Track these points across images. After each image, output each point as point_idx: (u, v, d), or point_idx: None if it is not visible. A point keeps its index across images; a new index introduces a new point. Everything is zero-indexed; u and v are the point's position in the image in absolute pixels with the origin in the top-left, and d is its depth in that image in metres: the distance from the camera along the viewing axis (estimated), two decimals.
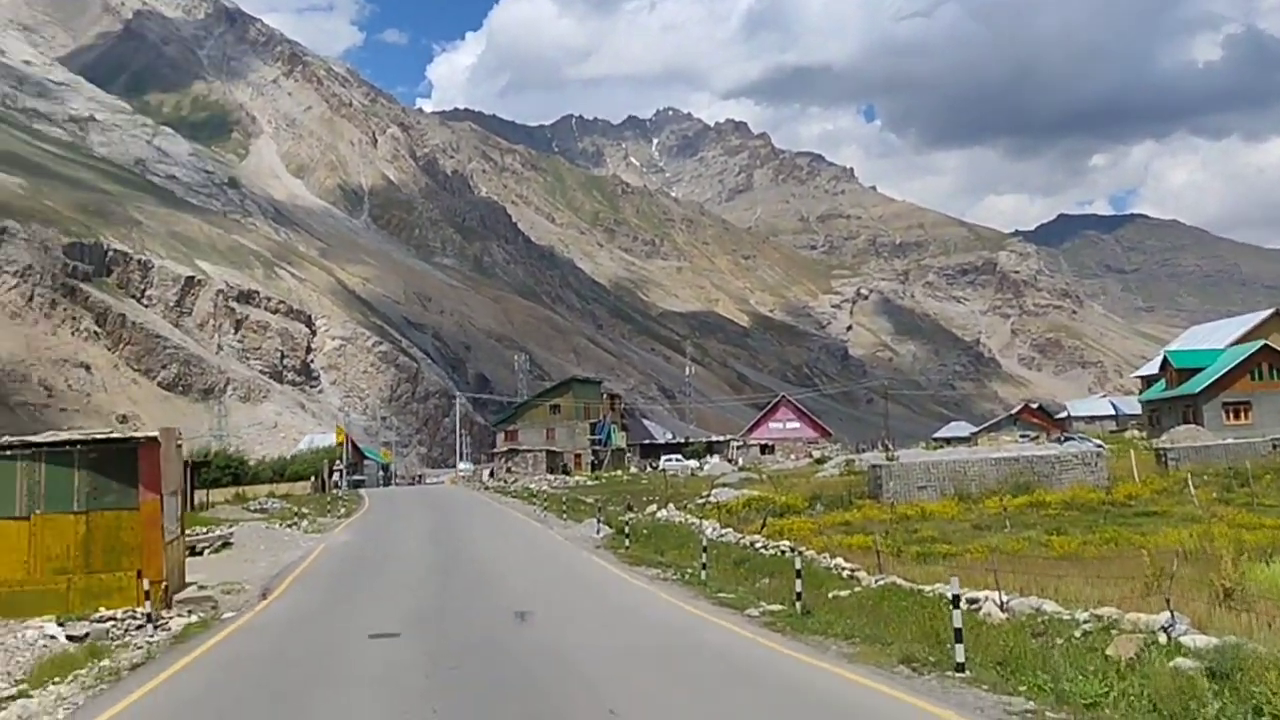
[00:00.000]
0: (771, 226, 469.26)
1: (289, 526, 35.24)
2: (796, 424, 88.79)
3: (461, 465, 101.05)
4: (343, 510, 45.80)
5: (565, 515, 36.04)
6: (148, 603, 15.29)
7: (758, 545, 21.88)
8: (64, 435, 17.50)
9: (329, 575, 21.54)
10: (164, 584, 16.63)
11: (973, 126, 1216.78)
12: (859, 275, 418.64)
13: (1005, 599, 12.20)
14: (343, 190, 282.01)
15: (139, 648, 13.40)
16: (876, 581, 15.53)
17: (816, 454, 74.38)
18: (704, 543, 19.98)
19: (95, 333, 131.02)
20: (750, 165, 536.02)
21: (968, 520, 26.73)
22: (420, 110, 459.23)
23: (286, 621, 15.41)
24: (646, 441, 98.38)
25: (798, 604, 14.08)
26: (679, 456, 79.44)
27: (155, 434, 17.29)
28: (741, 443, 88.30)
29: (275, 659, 12.39)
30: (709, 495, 36.96)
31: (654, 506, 34.59)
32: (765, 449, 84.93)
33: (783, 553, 20.05)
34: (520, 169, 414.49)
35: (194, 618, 15.88)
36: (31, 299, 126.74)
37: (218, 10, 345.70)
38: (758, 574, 18.44)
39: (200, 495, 48.44)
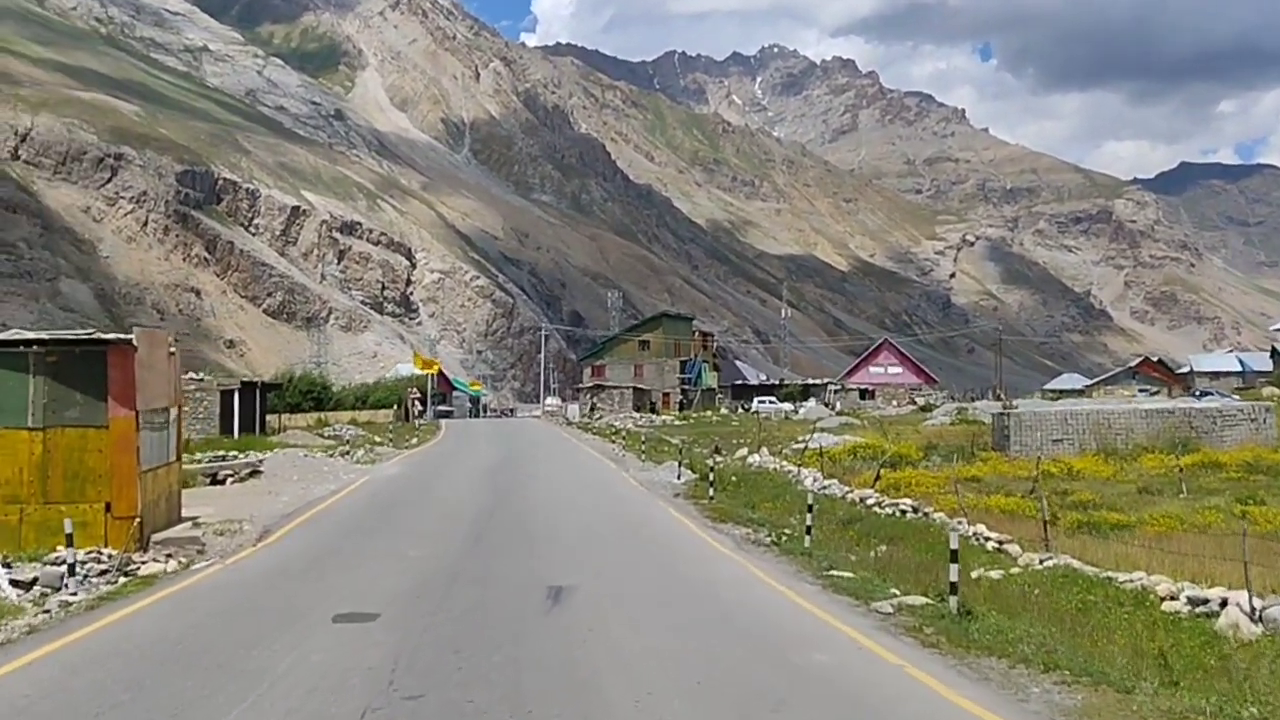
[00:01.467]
0: (875, 169, 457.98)
1: (341, 455, 33.14)
2: (899, 369, 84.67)
3: (549, 400, 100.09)
4: (414, 440, 43.83)
5: (645, 456, 32.23)
6: (106, 549, 12.91)
7: (869, 501, 18.82)
8: (23, 335, 14.89)
9: (349, 516, 18.61)
10: (137, 519, 13.76)
11: (1094, 68, 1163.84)
12: (965, 221, 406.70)
13: (1260, 604, 8.69)
14: (445, 124, 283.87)
15: (49, 610, 10.49)
16: (1041, 561, 12.21)
17: (920, 401, 71.32)
18: (807, 497, 16.49)
19: (205, 259, 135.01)
20: (856, 105, 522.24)
21: (1127, 481, 23.08)
22: (523, 45, 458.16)
23: (251, 583, 12.05)
24: (738, 382, 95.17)
25: (951, 599, 9.92)
26: (773, 398, 76.14)
27: (130, 336, 14.41)
28: (840, 386, 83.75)
29: (186, 652, 8.69)
30: (807, 440, 33.13)
31: (745, 450, 31.39)
32: (865, 394, 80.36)
33: (903, 513, 17.43)
34: (621, 105, 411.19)
35: (171, 564, 13.25)
36: (146, 224, 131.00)
37: None
38: (871, 538, 15.17)
39: (275, 420, 49.18)
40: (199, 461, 27.45)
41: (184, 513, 17.29)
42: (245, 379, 44.85)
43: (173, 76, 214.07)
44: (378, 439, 40.91)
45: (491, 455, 34.90)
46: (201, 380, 41.14)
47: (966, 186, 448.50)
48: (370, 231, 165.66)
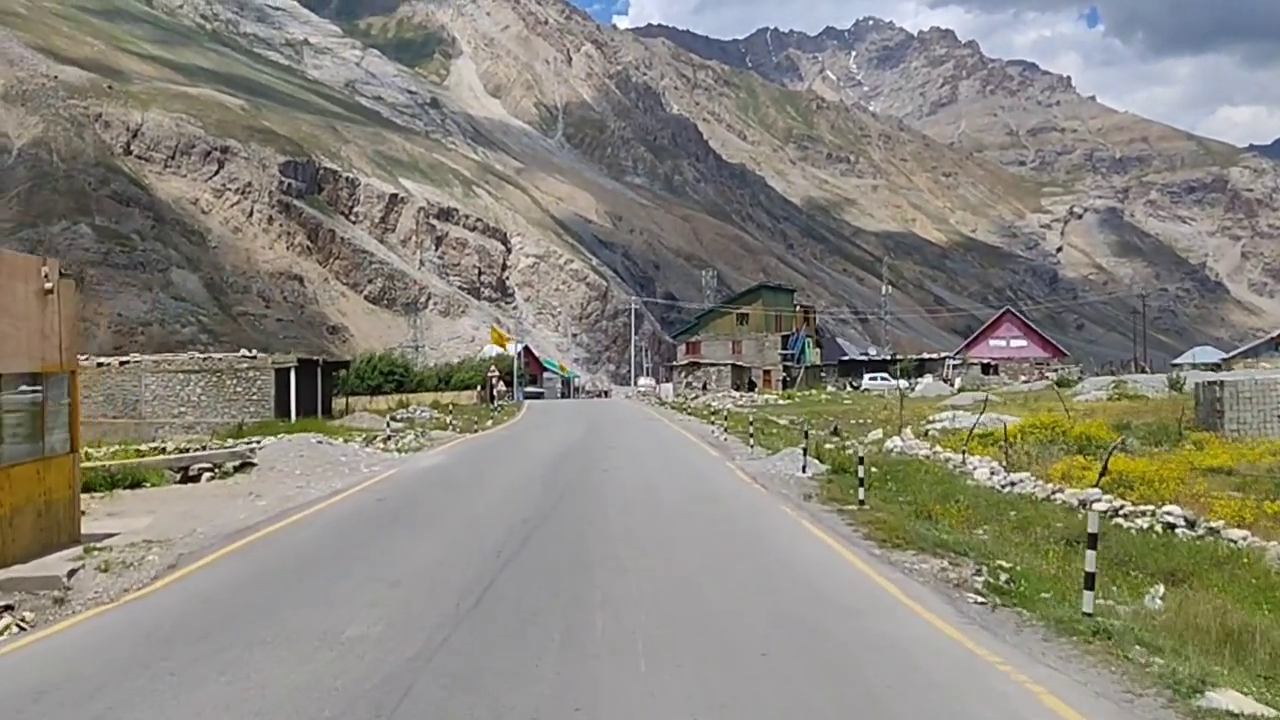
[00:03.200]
0: (976, 141, 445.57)
1: (381, 442, 27.89)
2: (1022, 341, 79.19)
3: (642, 381, 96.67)
4: (489, 423, 39.61)
5: (753, 441, 26.24)
6: None
7: (1094, 505, 12.71)
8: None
9: (315, 538, 13.04)
10: None
11: (1207, 30, 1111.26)
12: (1072, 193, 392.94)
13: None
14: (538, 109, 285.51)
15: None
16: None
17: (1052, 375, 66.97)
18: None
19: (308, 247, 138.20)
20: (955, 76, 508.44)
21: None
22: (614, 27, 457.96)
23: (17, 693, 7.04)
24: (845, 358, 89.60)
25: None
26: (884, 375, 71.03)
27: None
28: (960, 361, 78.29)
29: None
30: (940, 420, 28.68)
31: (878, 433, 26.23)
32: (987, 368, 74.65)
33: (1169, 528, 12.28)
34: (713, 85, 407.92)
35: None
36: (251, 215, 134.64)
37: None
38: (1142, 572, 10.23)
39: (342, 402, 46.77)
40: (194, 449, 23.37)
41: (97, 527, 13.24)
42: (303, 356, 41.66)
43: (275, 70, 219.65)
44: (450, 420, 37.53)
45: (565, 440, 29.43)
46: (254, 357, 39.08)
47: (1073, 157, 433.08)
48: (466, 218, 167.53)
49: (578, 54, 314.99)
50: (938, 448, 21.75)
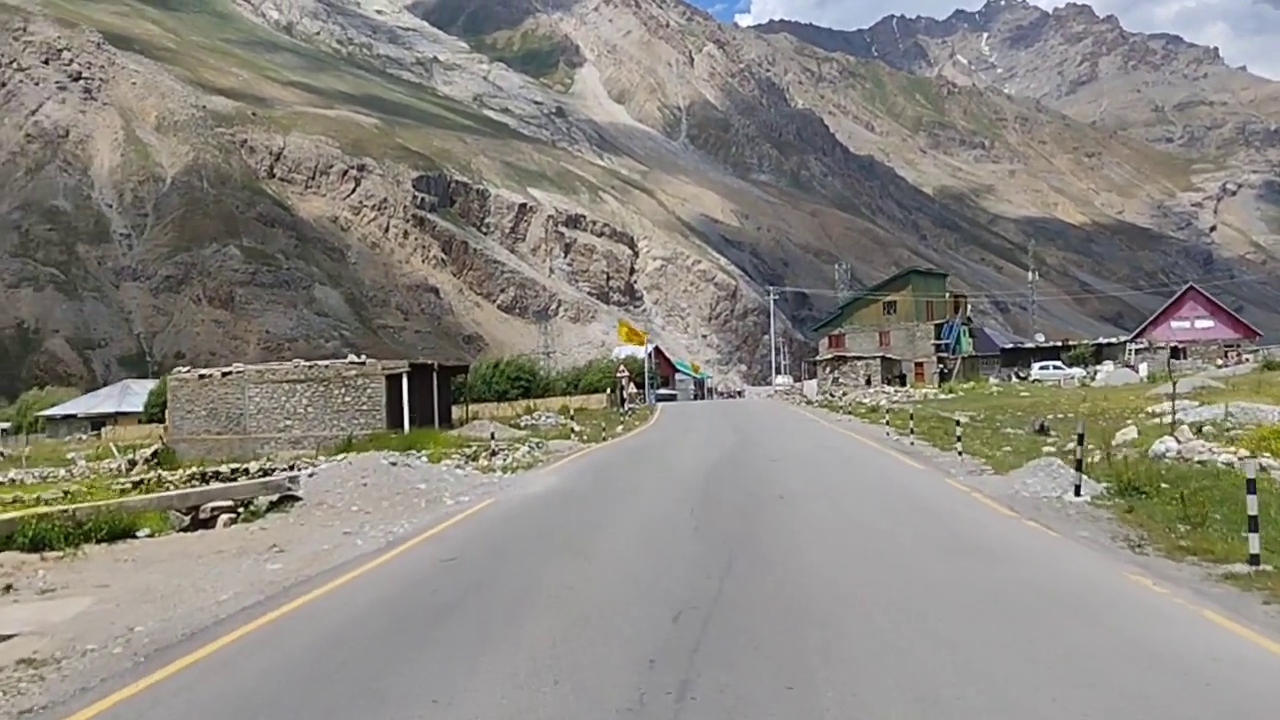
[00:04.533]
0: (1119, 119, 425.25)
1: (485, 458, 23.24)
2: (1209, 321, 71.85)
3: (778, 379, 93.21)
4: (619, 429, 35.56)
5: (960, 447, 19.69)
6: None
7: None
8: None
9: (333, 650, 7.39)
10: None
11: None
12: (1225, 169, 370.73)
13: None
14: (661, 112, 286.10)
15: None
16: None
17: (1249, 357, 60.79)
18: None
19: (442, 260, 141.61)
20: (1094, 53, 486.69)
21: None
22: (736, 26, 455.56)
23: None
24: (1009, 346, 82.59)
25: None
26: (1058, 362, 65.52)
27: None
28: (1145, 344, 70.45)
29: None
30: (1164, 412, 23.45)
31: (1129, 432, 19.48)
32: (1176, 351, 66.92)
33: None
34: (837, 78, 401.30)
35: None
36: (387, 230, 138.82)
37: None
38: None
39: (460, 410, 43.52)
40: (245, 475, 19.85)
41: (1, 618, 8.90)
42: (416, 361, 38.73)
43: (407, 89, 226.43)
44: (576, 428, 33.11)
45: (712, 450, 23.73)
46: (362, 363, 35.76)
47: (1224, 131, 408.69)
48: (594, 224, 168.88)
49: (700, 54, 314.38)
50: (1237, 450, 15.73)
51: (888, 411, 33.53)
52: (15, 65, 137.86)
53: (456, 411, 42.82)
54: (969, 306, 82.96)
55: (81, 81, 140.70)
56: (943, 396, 45.65)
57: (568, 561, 10.10)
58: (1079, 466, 13.69)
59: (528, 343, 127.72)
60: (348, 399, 34.67)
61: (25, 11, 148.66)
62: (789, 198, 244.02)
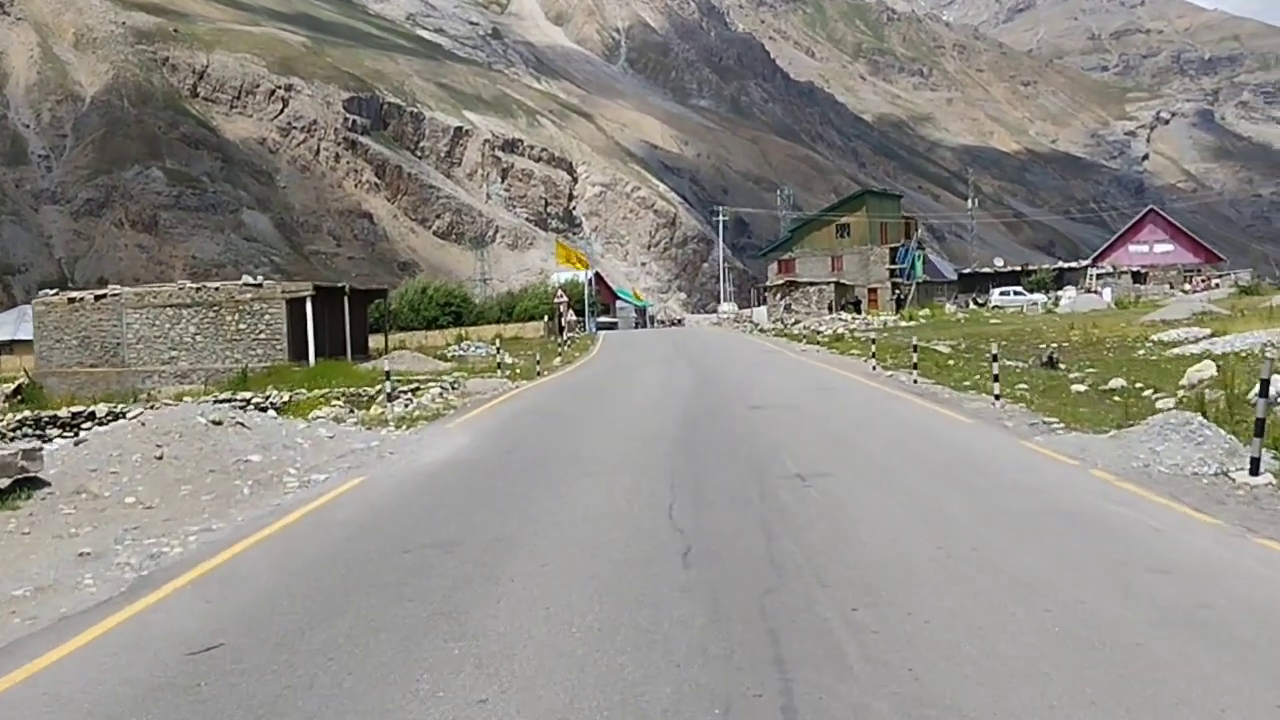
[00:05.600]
0: (1055, 48, 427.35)
1: (378, 407, 18.80)
2: (1169, 245, 70.21)
3: (723, 306, 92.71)
4: (557, 360, 32.13)
5: (997, 392, 15.57)
6: None
7: None
8: None
9: None
10: None
11: None
12: (1159, 97, 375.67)
13: None
14: (600, 35, 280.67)
15: None
16: None
17: (1219, 281, 59.57)
18: None
19: (375, 184, 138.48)
20: None
21: None
22: None
23: None
24: (966, 271, 79.45)
25: None
26: (1018, 288, 63.24)
27: None
28: (1109, 269, 67.93)
29: None
30: (1175, 340, 21.49)
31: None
32: (1139, 276, 65.12)
33: None
34: (778, 2, 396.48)
35: None
36: (318, 153, 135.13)
37: None
38: None
39: (379, 340, 39.87)
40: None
41: None
42: (321, 284, 34.51)
43: (336, 6, 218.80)
44: (501, 360, 28.16)
45: (670, 391, 19.88)
46: (258, 285, 31.68)
47: (1159, 60, 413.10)
48: (531, 148, 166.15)
49: None
50: None
51: (866, 342, 30.16)
52: None
53: (376, 341, 39.66)
54: (920, 230, 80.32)
55: None
56: (905, 324, 43.87)
57: (447, 655, 5.28)
58: (1261, 430, 9.19)
59: (465, 270, 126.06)
60: (243, 326, 30.87)
61: None
62: (729, 124, 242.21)
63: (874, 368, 23.35)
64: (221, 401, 19.88)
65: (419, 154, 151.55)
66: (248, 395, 22.10)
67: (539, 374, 26.71)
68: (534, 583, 6.60)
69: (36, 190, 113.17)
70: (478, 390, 22.07)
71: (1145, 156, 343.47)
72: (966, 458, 10.94)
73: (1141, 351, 21.61)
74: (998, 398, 15.14)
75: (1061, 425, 12.94)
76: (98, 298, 32.73)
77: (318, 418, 16.89)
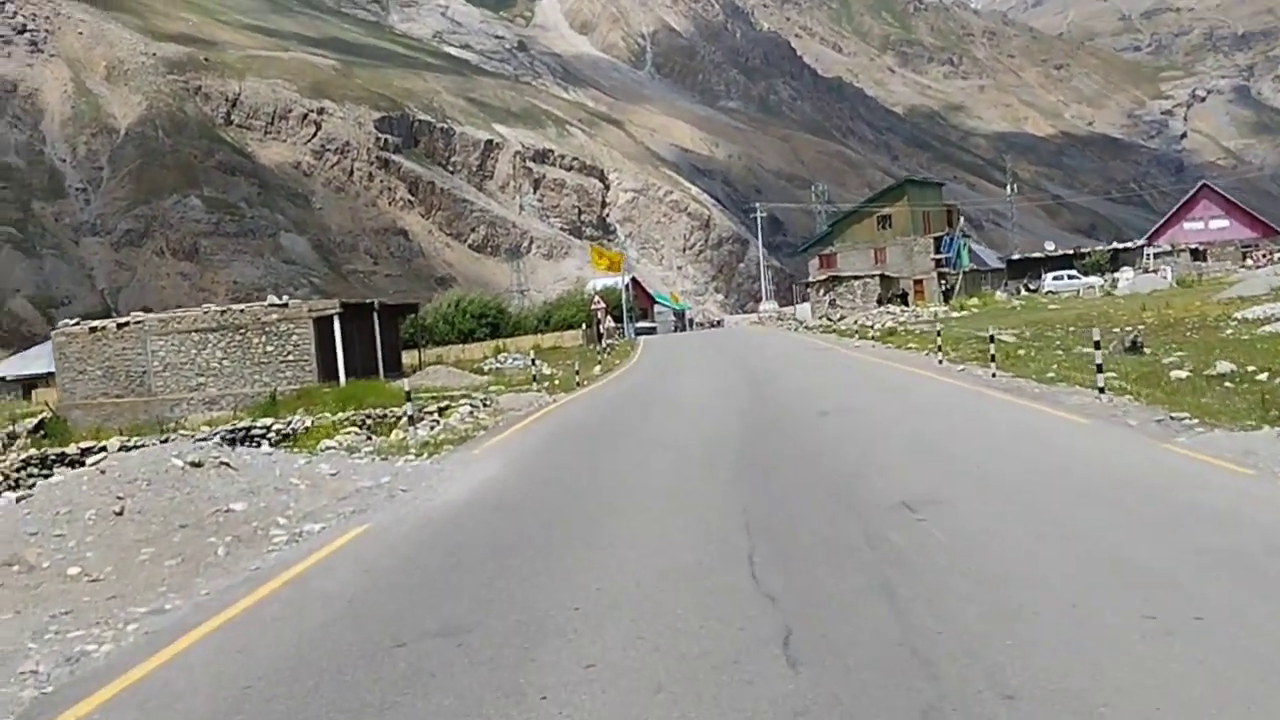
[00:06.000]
0: (1086, 30, 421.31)
1: (401, 430, 17.11)
2: (1224, 221, 67.75)
3: (764, 305, 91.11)
4: (597, 369, 30.66)
5: (1092, 384, 14.13)
6: None
7: None
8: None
9: None
10: None
11: None
12: (1194, 75, 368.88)
13: None
14: (625, 42, 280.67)
15: None
16: None
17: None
18: None
19: (409, 201, 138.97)
20: None
21: None
22: None
23: None
24: (1016, 257, 76.96)
25: None
26: (1071, 272, 60.84)
27: None
28: (1168, 248, 65.17)
29: None
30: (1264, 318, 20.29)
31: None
32: (1197, 254, 62.61)
33: None
34: None
35: None
36: (352, 173, 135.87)
37: None
38: None
39: (413, 356, 38.61)
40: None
41: None
42: (349, 300, 33.47)
43: (363, 28, 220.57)
44: (537, 373, 26.99)
45: (723, 402, 17.23)
46: (284, 305, 30.77)
47: (1192, 37, 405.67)
48: (562, 158, 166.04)
49: None
50: None
51: (922, 335, 28.99)
52: None
53: (411, 357, 38.58)
54: (962, 218, 77.68)
55: (27, 34, 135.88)
56: (957, 314, 41.68)
57: None
58: None
59: (501, 282, 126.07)
60: (270, 348, 29.91)
61: None
62: (758, 123, 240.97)
63: (940, 361, 21.42)
64: (236, 433, 19.19)
65: (451, 169, 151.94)
66: (268, 421, 20.86)
67: (578, 384, 25.12)
68: (573, 701, 4.58)
69: (76, 223, 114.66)
70: (511, 406, 20.19)
71: (1183, 135, 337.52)
72: (1105, 470, 8.86)
73: (1229, 331, 20.05)
74: (1102, 390, 13.26)
75: (1196, 421, 10.89)
76: (120, 325, 31.79)
77: (329, 448, 14.96)
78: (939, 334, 24.90)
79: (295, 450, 15.57)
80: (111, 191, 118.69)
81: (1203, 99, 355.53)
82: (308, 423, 20.38)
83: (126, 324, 31.73)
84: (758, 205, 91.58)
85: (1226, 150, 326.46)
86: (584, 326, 53.06)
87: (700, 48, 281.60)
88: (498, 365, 35.75)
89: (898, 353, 26.10)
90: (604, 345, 43.00)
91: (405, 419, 16.46)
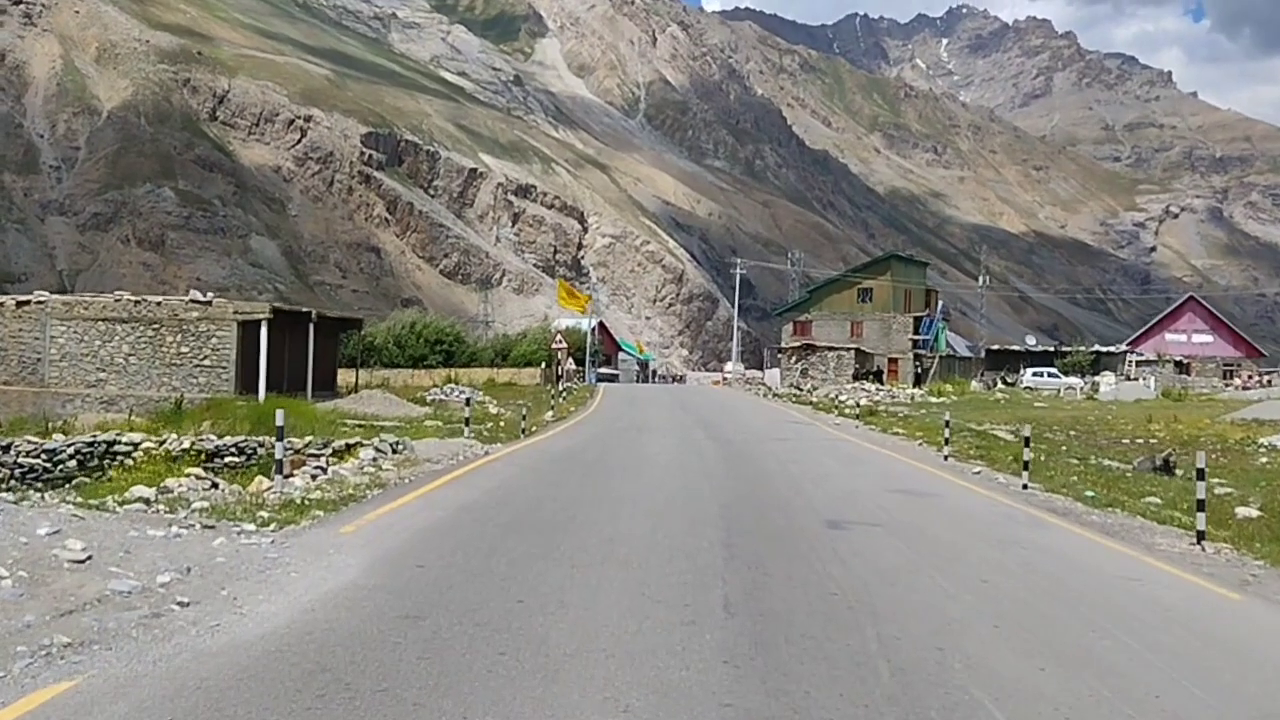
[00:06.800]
0: (1069, 135, 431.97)
1: (275, 474, 12.26)
2: (1208, 336, 67.54)
3: (729, 365, 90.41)
4: (548, 414, 27.57)
5: (1091, 497, 13.77)
6: None
7: None
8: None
9: None
10: None
11: None
12: (1169, 191, 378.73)
13: None
14: (620, 90, 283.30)
15: None
16: None
17: (1271, 379, 53.59)
18: None
19: (386, 219, 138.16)
20: (1050, 68, 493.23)
21: None
22: (701, 9, 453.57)
23: None
24: (995, 348, 74.99)
25: None
26: (1051, 370, 59.56)
27: None
28: (1154, 356, 63.28)
29: None
30: None
31: None
32: (1181, 366, 61.20)
33: None
34: (798, 70, 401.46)
35: None
36: (332, 184, 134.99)
37: None
38: None
39: (347, 376, 35.98)
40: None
41: None
42: (282, 306, 30.69)
43: (362, 43, 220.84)
44: (496, 410, 25.98)
45: (693, 478, 14.44)
46: (207, 303, 27.18)
47: (1171, 154, 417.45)
48: (544, 195, 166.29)
49: (663, 35, 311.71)
50: None
51: (904, 418, 26.58)
52: None
53: (348, 376, 36.00)
54: (941, 301, 77.15)
55: (22, 5, 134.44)
56: (935, 400, 39.52)
57: None
58: None
59: (469, 310, 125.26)
60: (185, 349, 26.76)
61: None
62: (742, 185, 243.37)
63: (946, 457, 18.60)
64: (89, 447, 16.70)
65: (432, 192, 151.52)
66: (136, 438, 17.93)
67: (523, 432, 21.53)
68: None
69: (45, 200, 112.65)
70: (430, 456, 15.89)
71: (1153, 249, 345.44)
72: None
73: (1264, 459, 18.52)
74: (1202, 536, 10.40)
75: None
76: (20, 304, 28.15)
77: (138, 501, 10.46)
78: (870, 413, 22.59)
79: (87, 497, 11.36)
80: (85, 173, 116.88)
81: (1176, 215, 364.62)
82: (186, 445, 17.42)
83: (27, 303, 28.13)
84: (738, 261, 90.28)
85: (1194, 268, 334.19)
86: (543, 365, 50.40)
87: (694, 104, 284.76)
88: (442, 396, 32.95)
89: (886, 438, 23.70)
90: (561, 388, 40.22)
91: (278, 466, 12.25)
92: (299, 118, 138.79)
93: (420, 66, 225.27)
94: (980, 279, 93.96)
